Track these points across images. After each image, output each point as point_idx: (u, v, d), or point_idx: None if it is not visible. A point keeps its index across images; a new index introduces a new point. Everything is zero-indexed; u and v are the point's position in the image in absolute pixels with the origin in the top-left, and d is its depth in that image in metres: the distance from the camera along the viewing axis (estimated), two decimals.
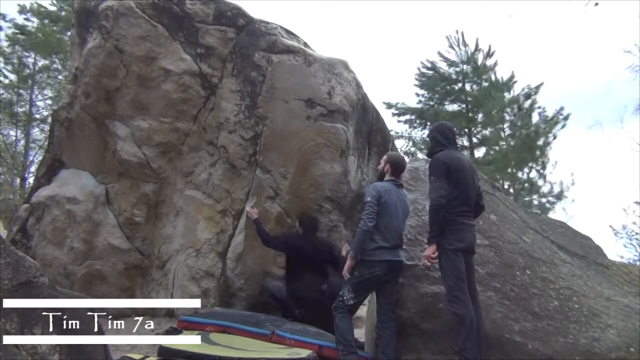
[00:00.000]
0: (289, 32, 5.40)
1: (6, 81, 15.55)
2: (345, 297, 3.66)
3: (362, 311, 5.13)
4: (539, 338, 3.52)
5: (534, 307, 3.71)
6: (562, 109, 14.28)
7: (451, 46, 15.61)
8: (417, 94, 16.14)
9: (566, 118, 14.09)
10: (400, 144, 15.80)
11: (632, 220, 14.24)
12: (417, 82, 16.23)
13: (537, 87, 14.68)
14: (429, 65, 16.04)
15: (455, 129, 3.93)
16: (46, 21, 15.37)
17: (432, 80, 15.86)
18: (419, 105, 16.16)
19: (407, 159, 4.27)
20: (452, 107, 15.83)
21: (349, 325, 3.67)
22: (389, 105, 16.21)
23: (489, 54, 15.33)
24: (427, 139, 3.88)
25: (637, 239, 14.06)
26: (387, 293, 3.70)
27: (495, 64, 15.30)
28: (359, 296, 3.72)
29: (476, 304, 3.41)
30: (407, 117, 16.24)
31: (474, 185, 3.57)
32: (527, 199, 14.34)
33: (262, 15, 5.45)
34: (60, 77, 15.66)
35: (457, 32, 15.94)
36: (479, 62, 15.36)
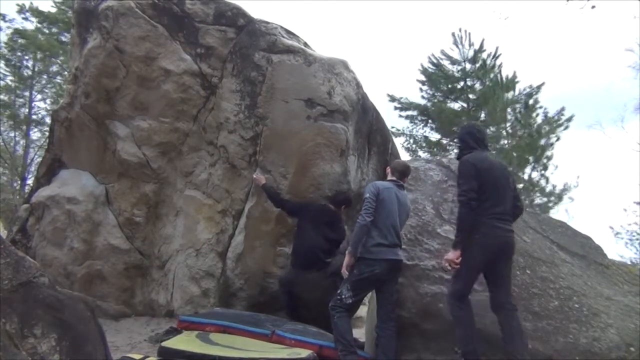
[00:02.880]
0: (289, 32, 5.40)
1: (6, 81, 15.58)
2: (343, 296, 3.65)
3: (362, 311, 5.14)
4: (539, 338, 3.52)
5: (534, 307, 3.71)
6: (563, 109, 14.31)
7: (455, 44, 15.58)
8: (421, 89, 16.11)
9: (569, 120, 14.11)
10: (401, 141, 15.79)
11: (632, 220, 14.25)
12: (420, 79, 16.21)
13: (539, 87, 14.69)
14: (433, 62, 16.00)
15: (484, 130, 3.76)
16: (44, 23, 15.39)
17: (436, 78, 15.83)
18: (423, 102, 16.14)
19: (406, 158, 4.28)
20: (455, 105, 15.82)
21: (347, 325, 3.66)
22: (393, 99, 16.15)
23: (495, 56, 15.30)
24: (457, 142, 3.82)
25: (637, 238, 14.07)
26: (386, 293, 3.69)
27: (500, 64, 15.31)
28: (357, 295, 3.71)
29: (511, 315, 3.26)
30: (410, 112, 16.18)
31: (508, 186, 3.40)
32: (527, 200, 14.35)
33: (262, 15, 5.45)
34: (57, 78, 15.69)
35: (460, 29, 15.88)
36: (483, 61, 15.33)
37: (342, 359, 3.54)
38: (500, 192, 3.32)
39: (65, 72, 13.55)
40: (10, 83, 15.55)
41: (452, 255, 3.26)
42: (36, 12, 15.25)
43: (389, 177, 3.97)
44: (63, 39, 14.95)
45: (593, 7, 8.10)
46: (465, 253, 3.24)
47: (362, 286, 3.71)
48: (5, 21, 15.06)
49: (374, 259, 3.61)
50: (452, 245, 3.36)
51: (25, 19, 15.31)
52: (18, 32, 15.00)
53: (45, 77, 15.88)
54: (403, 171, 4.00)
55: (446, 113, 15.15)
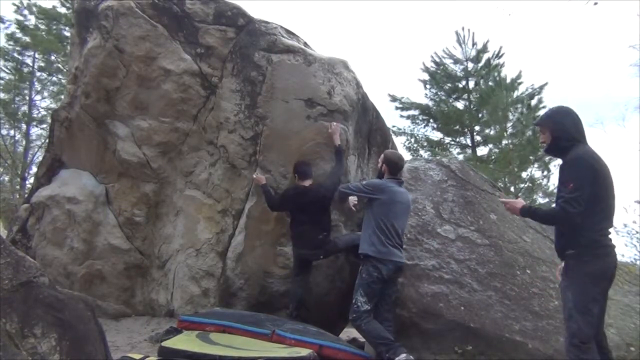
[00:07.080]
0: (289, 32, 5.40)
1: (6, 79, 15.57)
2: (359, 303, 3.62)
3: None
4: (539, 337, 3.53)
5: (534, 307, 3.72)
6: None
7: (458, 42, 15.55)
8: (426, 87, 16.07)
9: None
10: (402, 141, 15.79)
11: (632, 219, 14.20)
12: (422, 78, 16.20)
13: (541, 87, 14.67)
14: (436, 61, 15.98)
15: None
16: (45, 20, 15.37)
17: (438, 77, 15.81)
18: (424, 101, 16.13)
19: (407, 157, 4.27)
20: (457, 105, 15.81)
21: (377, 325, 3.59)
22: (394, 98, 16.13)
23: (498, 55, 15.26)
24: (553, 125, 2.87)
25: (637, 237, 14.03)
26: (384, 294, 3.70)
27: (502, 63, 15.28)
28: (371, 299, 3.67)
29: (603, 346, 2.75)
30: (411, 112, 16.18)
31: (614, 194, 2.80)
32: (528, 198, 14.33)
33: (262, 15, 5.45)
34: (56, 76, 15.67)
35: (463, 28, 15.83)
36: (485, 61, 15.31)
37: (392, 357, 3.42)
38: (612, 204, 2.75)
39: (66, 69, 13.54)
40: (10, 79, 15.51)
41: (516, 202, 2.88)
42: (37, 9, 15.22)
43: (387, 176, 3.97)
44: (65, 33, 14.91)
45: (595, 3, 8.10)
46: (573, 276, 2.68)
47: (373, 288, 3.69)
48: (4, 22, 15.06)
49: (382, 260, 3.62)
50: (526, 206, 2.85)
51: (24, 17, 15.30)
52: (19, 24, 14.94)
53: (46, 74, 15.85)
54: (398, 164, 4.03)
55: (448, 112, 15.13)
